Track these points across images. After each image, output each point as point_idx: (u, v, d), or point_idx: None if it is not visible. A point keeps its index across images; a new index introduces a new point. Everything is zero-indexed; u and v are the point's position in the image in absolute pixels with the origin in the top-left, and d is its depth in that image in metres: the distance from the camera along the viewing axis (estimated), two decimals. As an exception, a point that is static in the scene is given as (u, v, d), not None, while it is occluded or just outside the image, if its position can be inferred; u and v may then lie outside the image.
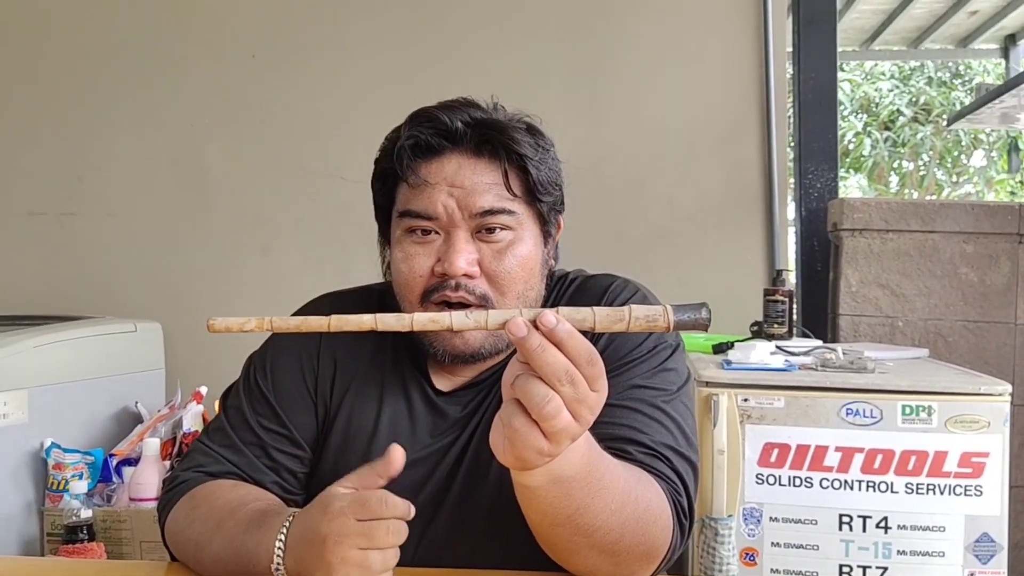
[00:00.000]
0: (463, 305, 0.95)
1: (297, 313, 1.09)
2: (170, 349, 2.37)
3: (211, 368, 2.25)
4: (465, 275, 0.94)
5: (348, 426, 1.00)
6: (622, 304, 1.02)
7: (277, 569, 0.79)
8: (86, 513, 1.75)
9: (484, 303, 0.95)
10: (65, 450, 1.81)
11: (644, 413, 0.93)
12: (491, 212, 0.96)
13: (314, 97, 2.63)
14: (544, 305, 1.03)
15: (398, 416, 1.01)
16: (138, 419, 2.07)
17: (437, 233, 0.97)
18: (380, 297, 1.08)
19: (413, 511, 0.75)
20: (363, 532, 0.74)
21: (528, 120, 1.02)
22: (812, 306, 2.43)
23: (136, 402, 2.11)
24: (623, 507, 0.80)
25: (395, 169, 0.98)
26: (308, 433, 1.01)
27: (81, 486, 1.78)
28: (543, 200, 1.00)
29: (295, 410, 1.01)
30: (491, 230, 0.96)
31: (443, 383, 1.02)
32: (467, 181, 0.96)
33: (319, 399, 1.02)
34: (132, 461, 1.91)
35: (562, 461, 0.72)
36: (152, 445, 1.85)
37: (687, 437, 0.95)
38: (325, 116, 2.61)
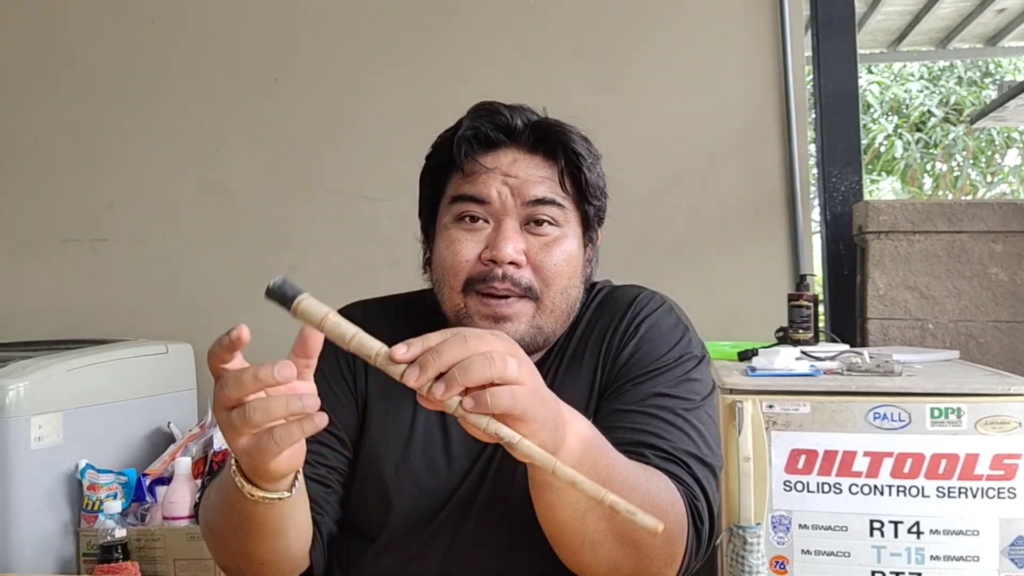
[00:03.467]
0: (508, 299, 0.96)
1: None
2: (201, 369, 2.41)
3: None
4: (512, 264, 0.96)
5: (384, 430, 1.01)
6: (648, 315, 1.03)
7: (233, 471, 0.79)
8: (120, 533, 1.78)
9: (529, 295, 0.97)
10: (99, 471, 1.85)
11: (665, 420, 0.94)
12: (543, 202, 0.98)
13: (336, 117, 2.67)
14: (578, 318, 1.04)
15: (432, 423, 1.02)
16: (171, 439, 2.11)
17: (487, 221, 0.98)
18: (408, 307, 1.10)
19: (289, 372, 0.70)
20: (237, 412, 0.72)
21: (581, 131, 1.05)
22: (840, 311, 2.41)
23: (169, 422, 2.15)
24: (636, 487, 0.81)
25: (449, 159, 1.00)
26: (351, 432, 1.02)
27: (115, 506, 1.82)
28: (592, 203, 1.02)
29: (339, 407, 1.02)
30: (540, 223, 0.98)
31: None
32: (522, 173, 0.99)
33: (357, 395, 1.03)
34: (165, 480, 1.95)
35: (576, 426, 0.76)
36: (184, 464, 1.89)
37: (710, 446, 0.95)
38: (347, 136, 2.65)
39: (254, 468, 0.74)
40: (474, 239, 0.98)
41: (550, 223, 0.98)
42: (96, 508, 1.82)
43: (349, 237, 2.63)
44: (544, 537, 0.87)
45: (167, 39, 2.74)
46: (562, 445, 0.74)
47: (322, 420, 0.69)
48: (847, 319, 2.38)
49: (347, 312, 1.10)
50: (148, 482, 1.95)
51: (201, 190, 2.72)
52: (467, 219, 0.98)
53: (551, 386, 1.01)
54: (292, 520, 0.85)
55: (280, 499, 0.79)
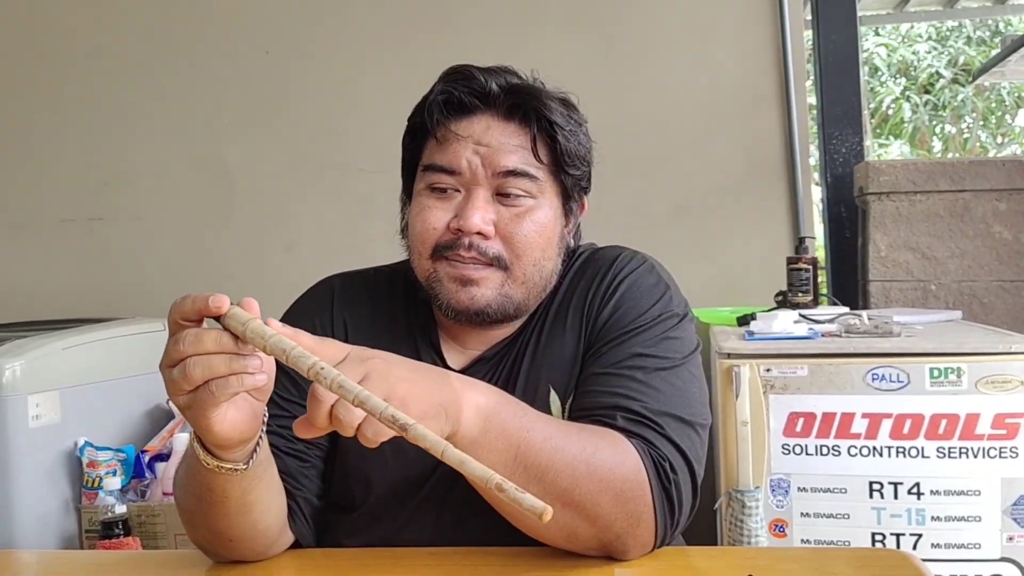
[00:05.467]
0: (476, 265, 0.96)
1: (305, 294, 1.10)
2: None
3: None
4: (479, 234, 0.95)
5: None
6: (627, 275, 1.02)
7: (192, 439, 0.80)
8: (121, 509, 1.79)
9: (497, 264, 0.96)
10: (98, 448, 1.86)
11: (640, 380, 0.93)
12: (514, 173, 0.96)
13: (329, 90, 2.65)
14: (560, 282, 1.03)
15: None
16: (169, 416, 2.11)
17: (458, 191, 0.97)
18: (390, 278, 1.09)
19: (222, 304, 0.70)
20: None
21: (565, 95, 1.02)
22: (842, 274, 2.39)
23: (167, 399, 2.15)
24: (561, 447, 0.82)
25: (425, 123, 0.98)
26: None
27: (115, 483, 1.83)
28: (568, 173, 1.00)
29: None
30: (511, 195, 0.97)
31: (455, 359, 1.03)
32: (494, 141, 0.97)
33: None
34: (164, 456, 1.95)
35: (476, 394, 0.79)
36: (182, 440, 1.89)
37: (691, 404, 0.94)
38: (340, 108, 2.63)
39: (198, 427, 0.74)
40: (444, 207, 0.97)
41: (523, 195, 0.97)
42: (96, 485, 1.83)
43: (346, 211, 2.62)
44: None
45: (160, 16, 2.72)
46: (459, 418, 0.76)
47: (262, 379, 0.71)
48: (849, 282, 2.36)
49: (326, 284, 1.10)
50: (147, 459, 1.96)
51: (195, 167, 2.71)
52: (439, 188, 0.97)
53: (534, 353, 1.01)
54: (255, 495, 0.84)
55: (235, 470, 0.79)
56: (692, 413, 0.93)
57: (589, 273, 1.03)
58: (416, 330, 1.04)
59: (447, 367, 1.02)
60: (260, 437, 0.80)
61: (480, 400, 0.79)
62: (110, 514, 1.78)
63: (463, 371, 1.01)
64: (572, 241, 1.05)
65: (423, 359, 1.02)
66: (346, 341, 1.04)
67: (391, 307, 1.07)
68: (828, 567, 0.87)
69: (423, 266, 0.98)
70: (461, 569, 0.90)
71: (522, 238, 0.96)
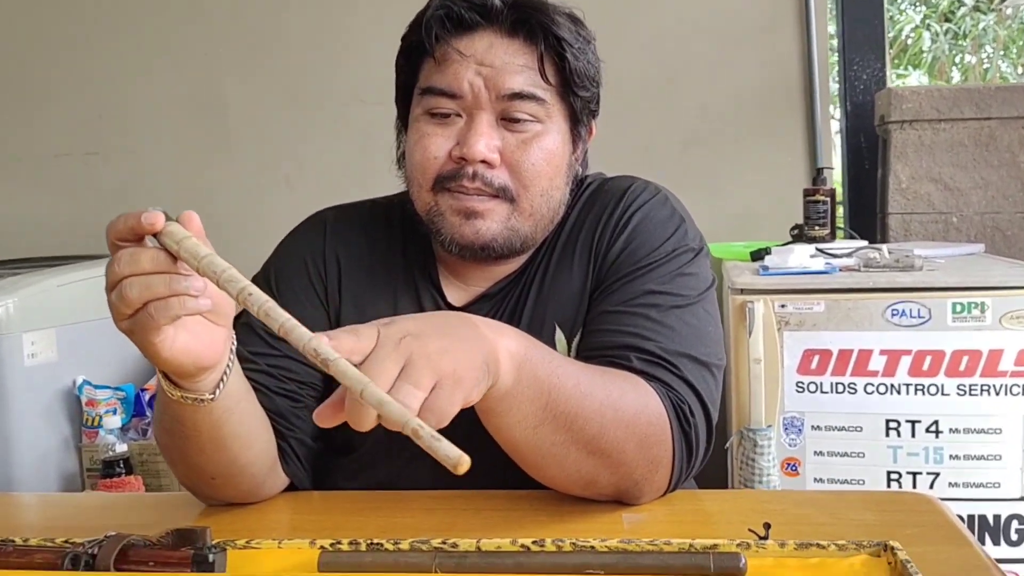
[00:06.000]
0: (481, 196, 0.90)
1: (296, 230, 1.05)
2: (199, 284, 2.37)
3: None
4: (484, 162, 0.89)
5: None
6: (640, 207, 0.96)
7: (159, 371, 0.77)
8: (121, 447, 1.77)
9: (503, 196, 0.90)
10: (96, 386, 1.84)
11: (653, 319, 0.88)
12: (520, 96, 0.90)
13: (327, 19, 2.55)
14: (567, 214, 0.97)
15: None
16: (169, 354, 2.08)
17: (459, 116, 0.91)
18: (387, 211, 1.04)
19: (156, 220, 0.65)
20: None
21: (571, 10, 0.95)
22: (860, 207, 2.32)
23: (166, 338, 2.12)
24: (589, 393, 0.77)
25: (422, 42, 0.91)
26: None
27: (115, 421, 1.81)
28: (578, 94, 0.93)
29: (308, 319, 0.97)
30: (517, 119, 0.90)
31: (456, 295, 0.98)
32: (498, 60, 0.90)
33: (330, 305, 0.98)
34: (165, 396, 1.93)
35: (508, 341, 0.72)
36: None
37: (706, 344, 0.89)
38: (339, 38, 2.54)
39: (145, 353, 0.70)
40: (444, 134, 0.91)
41: (530, 119, 0.90)
42: (96, 424, 1.81)
43: (346, 144, 2.55)
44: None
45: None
46: (497, 371, 0.71)
47: (205, 304, 0.66)
48: (867, 216, 2.29)
49: (318, 218, 1.04)
50: (147, 397, 1.93)
51: (192, 100, 2.64)
52: (439, 113, 0.91)
53: (540, 290, 0.96)
54: (229, 429, 0.81)
55: (201, 400, 0.76)
56: (708, 353, 0.89)
57: (598, 205, 0.98)
58: (415, 266, 0.99)
59: (448, 305, 0.97)
60: (228, 366, 0.76)
61: (511, 346, 0.73)
62: (111, 453, 1.76)
63: (464, 309, 0.97)
64: (580, 169, 0.99)
65: (422, 297, 0.97)
66: (339, 280, 1.00)
67: (388, 242, 1.01)
68: (846, 511, 0.83)
69: (423, 199, 0.92)
70: (464, 512, 0.86)
71: (529, 167, 0.90)
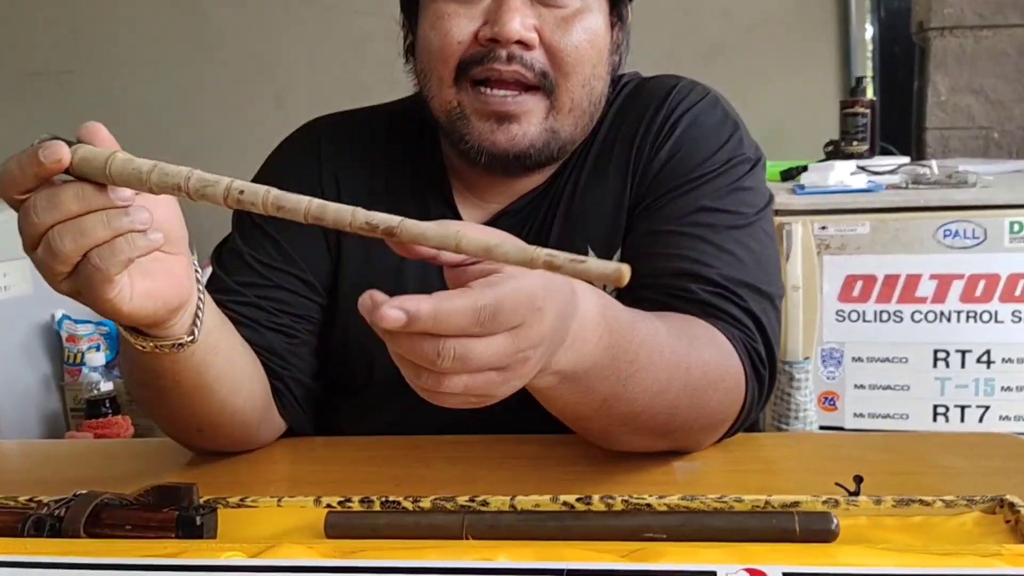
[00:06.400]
0: (513, 93, 0.76)
1: (283, 146, 0.93)
2: (185, 210, 2.24)
3: (227, 228, 2.12)
4: (520, 43, 0.75)
5: (365, 266, 0.85)
6: (688, 110, 0.84)
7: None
8: (107, 386, 1.67)
9: (542, 87, 0.77)
10: (77, 321, 1.73)
11: (711, 242, 0.76)
12: None
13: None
14: (604, 113, 0.84)
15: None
16: (155, 286, 1.97)
17: None
18: (389, 120, 0.91)
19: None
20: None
21: None
22: (893, 121, 2.18)
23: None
24: (670, 384, 0.65)
25: None
26: (322, 275, 0.85)
27: (98, 358, 1.71)
28: None
29: (304, 246, 0.84)
30: None
31: (473, 215, 0.86)
32: None
33: (329, 234, 0.86)
34: (152, 330, 1.82)
35: (569, 358, 0.54)
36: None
37: (766, 271, 0.78)
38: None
39: (102, 313, 0.58)
40: (468, 14, 0.77)
41: None
42: (78, 361, 1.71)
43: (338, 58, 2.40)
44: None
45: None
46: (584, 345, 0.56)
47: (158, 237, 0.53)
48: (901, 131, 2.15)
49: (309, 132, 0.91)
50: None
51: (172, 12, 2.49)
52: None
53: (570, 206, 0.84)
54: (214, 372, 0.70)
55: (180, 346, 0.63)
56: (769, 283, 0.77)
57: (638, 107, 0.85)
58: (424, 182, 0.87)
59: None
60: (200, 299, 0.64)
61: (600, 336, 0.58)
62: (95, 392, 1.66)
63: None
64: (619, 60, 0.86)
65: (436, 216, 0.85)
66: (338, 187, 0.86)
67: (390, 155, 0.88)
68: (931, 455, 0.73)
69: (443, 97, 0.79)
70: (488, 460, 0.76)
71: (572, 49, 0.76)
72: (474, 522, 0.59)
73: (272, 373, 0.80)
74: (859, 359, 1.42)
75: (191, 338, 0.64)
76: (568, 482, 0.70)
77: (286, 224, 0.85)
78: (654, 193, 0.80)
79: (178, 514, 0.61)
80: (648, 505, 0.60)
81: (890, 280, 1.39)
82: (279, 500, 0.65)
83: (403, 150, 0.88)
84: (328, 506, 0.64)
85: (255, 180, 0.90)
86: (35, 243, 0.53)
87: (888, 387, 1.42)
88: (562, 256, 0.42)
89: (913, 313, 1.39)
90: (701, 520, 0.57)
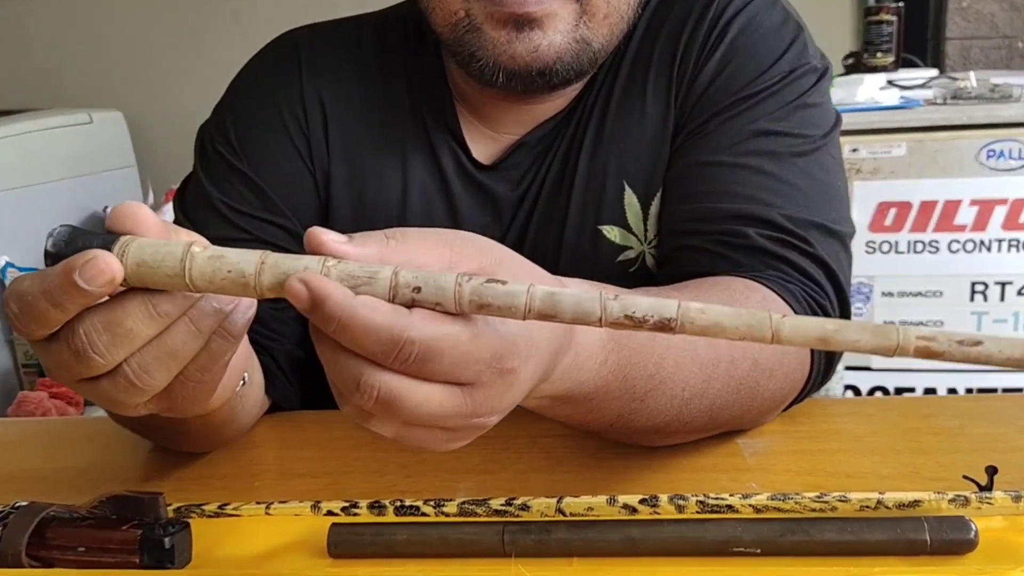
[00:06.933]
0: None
1: (258, 62, 0.78)
2: (139, 142, 2.08)
3: (188, 161, 1.97)
4: None
5: (361, 206, 0.72)
6: (739, 11, 0.70)
7: None
8: (61, 340, 1.54)
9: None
10: (22, 269, 1.58)
11: (772, 174, 0.64)
12: None
13: None
14: (636, 19, 0.70)
15: (430, 194, 0.72)
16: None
17: None
18: (378, 31, 0.76)
19: None
20: None
21: None
22: (910, 32, 2.04)
23: (105, 207, 1.85)
24: (707, 386, 0.54)
25: None
26: (308, 217, 0.72)
27: (50, 309, 1.56)
28: None
29: (287, 188, 0.71)
30: None
31: (482, 149, 0.72)
32: None
33: (316, 166, 0.73)
34: (108, 276, 1.68)
35: (559, 387, 0.44)
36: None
37: (836, 206, 0.67)
38: None
39: (191, 415, 0.45)
40: None
41: None
42: (27, 313, 1.56)
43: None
44: None
45: None
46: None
47: (248, 315, 0.39)
48: (916, 41, 2.02)
49: (287, 42, 0.76)
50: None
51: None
52: None
53: (599, 134, 0.71)
54: (242, 404, 0.60)
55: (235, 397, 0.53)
56: (840, 220, 0.66)
57: (678, 10, 0.71)
58: (424, 108, 0.73)
59: (473, 163, 0.72)
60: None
61: (605, 357, 0.47)
62: (49, 346, 1.52)
63: (494, 168, 0.72)
64: None
65: (439, 153, 0.72)
66: (325, 130, 0.72)
67: (385, 75, 0.74)
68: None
69: (447, 7, 0.64)
70: (517, 440, 0.65)
71: None
72: (516, 537, 0.47)
73: (260, 348, 0.68)
74: (889, 294, 1.32)
75: (242, 383, 0.52)
76: (617, 468, 0.59)
77: (262, 160, 0.72)
78: (701, 115, 0.68)
79: (142, 533, 0.50)
80: (729, 507, 0.50)
81: (927, 207, 1.28)
82: (267, 507, 0.54)
83: (398, 69, 0.74)
84: (329, 513, 0.53)
85: (227, 101, 0.76)
86: (95, 377, 0.39)
87: (920, 323, 1.32)
88: (943, 339, 0.31)
89: (950, 243, 1.28)
90: (803, 530, 0.46)
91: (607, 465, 0.59)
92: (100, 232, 0.38)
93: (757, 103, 0.67)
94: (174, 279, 0.36)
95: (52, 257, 0.37)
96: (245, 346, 0.51)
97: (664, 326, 0.33)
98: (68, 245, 0.37)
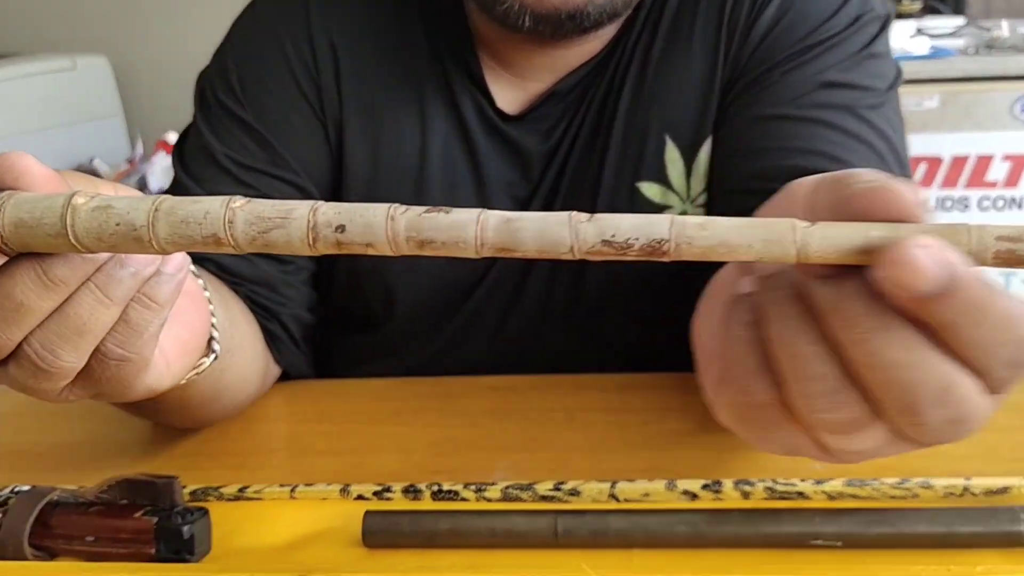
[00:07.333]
0: None
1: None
2: (125, 89, 2.00)
3: (180, 109, 1.89)
4: None
5: (375, 168, 0.67)
6: None
7: None
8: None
9: None
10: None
11: (842, 129, 0.60)
12: None
13: None
14: None
15: (454, 151, 0.67)
16: (96, 176, 1.76)
17: None
18: None
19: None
20: None
21: None
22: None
23: (91, 158, 1.79)
24: None
25: None
26: (321, 179, 0.67)
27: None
28: None
29: (297, 140, 0.66)
30: None
31: (508, 98, 0.67)
32: None
33: (327, 116, 0.67)
34: (97, 230, 1.63)
35: None
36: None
37: (903, 166, 0.62)
38: None
39: (136, 398, 0.40)
40: None
41: None
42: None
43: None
44: (631, 319, 0.66)
45: None
46: None
47: (178, 270, 0.34)
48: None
49: None
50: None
51: None
52: None
53: (639, 82, 0.65)
54: (229, 375, 0.54)
55: (198, 372, 0.47)
56: (907, 179, 0.62)
57: None
58: (444, 53, 0.68)
59: (498, 114, 0.67)
60: (211, 304, 0.48)
61: None
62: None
63: (521, 119, 0.67)
64: None
65: (460, 103, 0.67)
66: (336, 75, 0.67)
67: (400, 15, 0.69)
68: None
69: None
70: (551, 415, 0.61)
71: None
72: (569, 525, 0.44)
73: (265, 312, 0.64)
74: (915, 253, 1.29)
75: (214, 355, 0.47)
76: (664, 446, 0.55)
77: (267, 109, 0.67)
78: (760, 66, 0.63)
79: (157, 521, 0.46)
80: (800, 493, 0.46)
81: (958, 162, 1.24)
82: (292, 490, 0.50)
83: (413, 10, 0.69)
84: (360, 497, 0.49)
85: (220, 51, 0.71)
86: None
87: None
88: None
89: (981, 199, 1.24)
90: (889, 521, 0.42)
91: (654, 443, 0.56)
92: None
93: (823, 52, 0.62)
94: (58, 239, 0.30)
95: None
96: (203, 312, 0.46)
97: (654, 250, 0.27)
98: None
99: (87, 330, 0.33)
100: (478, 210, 0.27)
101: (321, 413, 0.65)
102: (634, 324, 0.69)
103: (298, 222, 0.28)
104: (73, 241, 0.30)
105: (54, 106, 1.74)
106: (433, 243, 0.28)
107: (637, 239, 0.27)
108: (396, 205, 0.28)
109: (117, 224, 0.29)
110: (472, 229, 0.27)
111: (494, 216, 0.27)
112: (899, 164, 0.61)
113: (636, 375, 0.65)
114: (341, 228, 0.28)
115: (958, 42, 1.33)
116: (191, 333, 0.43)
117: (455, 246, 0.28)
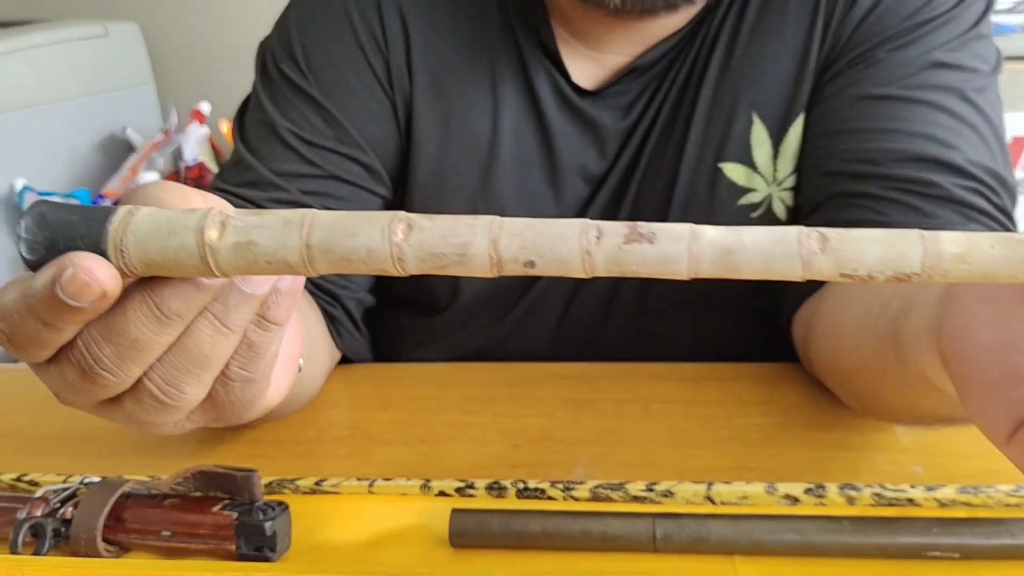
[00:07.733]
0: None
1: None
2: (157, 58, 1.98)
3: (214, 79, 1.88)
4: None
5: (447, 139, 0.65)
6: None
7: None
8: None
9: None
10: (41, 193, 1.51)
11: (952, 112, 0.57)
12: None
13: None
14: None
15: (525, 131, 0.65)
16: (129, 148, 1.74)
17: None
18: None
19: None
20: None
21: None
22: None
23: (124, 127, 1.77)
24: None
25: None
26: (390, 158, 0.65)
27: (71, 236, 1.50)
28: None
29: (365, 117, 0.64)
30: None
31: (584, 72, 0.65)
32: None
33: (396, 92, 0.65)
34: (130, 201, 1.62)
35: None
36: (150, 180, 1.54)
37: (1005, 153, 0.60)
38: None
39: (249, 419, 0.37)
40: None
41: None
42: (47, 240, 1.50)
43: None
44: (710, 303, 0.64)
45: None
46: None
47: (293, 285, 0.31)
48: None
49: None
50: (108, 205, 1.62)
51: None
52: None
53: (727, 59, 0.63)
54: (305, 381, 0.54)
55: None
56: (1008, 168, 0.59)
57: None
58: (517, 25, 0.65)
59: (574, 89, 0.65)
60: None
61: None
62: (70, 275, 1.47)
63: (598, 95, 0.65)
64: None
65: (534, 78, 0.64)
66: (406, 47, 0.64)
67: (470, 12, 0.66)
68: None
69: None
70: (625, 406, 0.59)
71: None
72: (670, 531, 0.42)
73: (328, 296, 0.63)
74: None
75: (299, 371, 0.45)
76: (750, 443, 0.53)
77: (334, 83, 0.65)
78: (863, 43, 0.60)
79: (238, 516, 0.44)
80: (910, 500, 0.44)
81: (1018, 143, 1.20)
82: (370, 484, 0.49)
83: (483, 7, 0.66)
84: (441, 493, 0.48)
85: (283, 20, 0.68)
86: (115, 397, 0.32)
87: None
88: None
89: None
90: (1007, 531, 0.41)
91: (741, 438, 0.54)
92: (87, 208, 0.28)
93: (932, 31, 0.59)
94: (192, 268, 0.27)
95: (29, 264, 0.29)
96: (297, 321, 0.44)
97: (898, 281, 0.24)
98: (47, 248, 0.28)
99: (209, 362, 0.31)
100: (688, 234, 0.25)
101: (384, 401, 0.64)
102: (701, 314, 0.67)
103: (479, 258, 0.26)
104: (218, 274, 0.28)
105: (86, 73, 1.72)
106: (637, 273, 0.25)
107: (882, 273, 0.24)
108: (585, 230, 0.25)
109: (268, 263, 0.27)
110: (683, 263, 0.25)
111: (709, 247, 0.25)
112: (1001, 150, 0.59)
113: (709, 365, 0.64)
114: (531, 264, 0.26)
115: (1018, 17, 1.29)
116: (294, 345, 0.42)
117: (660, 273, 0.25)
